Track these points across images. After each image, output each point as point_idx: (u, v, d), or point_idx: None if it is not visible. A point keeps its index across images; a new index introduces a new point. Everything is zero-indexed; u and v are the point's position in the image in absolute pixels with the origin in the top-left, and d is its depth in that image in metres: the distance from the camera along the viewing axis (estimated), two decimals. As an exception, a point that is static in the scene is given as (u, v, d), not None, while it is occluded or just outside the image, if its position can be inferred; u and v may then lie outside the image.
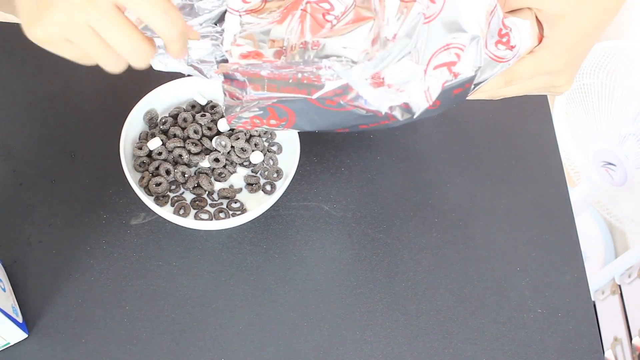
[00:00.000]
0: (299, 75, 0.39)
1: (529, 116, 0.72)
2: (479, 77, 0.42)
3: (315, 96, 0.40)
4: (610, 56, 1.04)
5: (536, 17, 0.45)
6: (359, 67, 0.38)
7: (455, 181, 0.66)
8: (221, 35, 0.45)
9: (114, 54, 0.38)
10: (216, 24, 0.45)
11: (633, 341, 1.14)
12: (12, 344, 0.51)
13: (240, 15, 0.44)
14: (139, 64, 0.39)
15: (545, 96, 0.75)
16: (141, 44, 0.37)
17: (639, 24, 1.12)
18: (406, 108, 0.40)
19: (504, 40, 0.42)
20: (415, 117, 0.41)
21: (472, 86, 0.42)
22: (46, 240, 0.56)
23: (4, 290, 0.50)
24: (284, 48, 0.41)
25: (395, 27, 0.38)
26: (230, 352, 0.53)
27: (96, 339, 0.52)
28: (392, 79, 0.39)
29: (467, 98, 0.45)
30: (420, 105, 0.40)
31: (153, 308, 0.54)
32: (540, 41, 0.45)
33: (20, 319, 0.51)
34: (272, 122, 0.44)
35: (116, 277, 0.55)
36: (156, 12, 0.36)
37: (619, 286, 1.23)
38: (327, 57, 0.39)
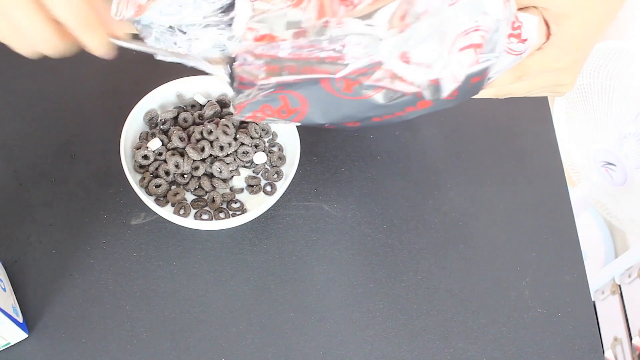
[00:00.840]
0: (322, 54, 0.39)
1: (529, 116, 0.72)
2: (494, 71, 0.43)
3: (339, 75, 0.39)
4: (610, 56, 1.04)
5: (542, 16, 0.45)
6: (388, 43, 0.38)
7: (455, 181, 0.66)
8: (229, 24, 0.44)
9: (23, 39, 0.38)
10: (224, 13, 0.44)
11: (633, 341, 1.14)
12: (12, 343, 0.51)
13: (251, 1, 0.43)
14: (48, 52, 0.39)
15: (546, 96, 0.75)
16: (48, 32, 0.37)
17: (638, 24, 1.12)
18: (435, 85, 0.40)
19: (516, 33, 0.43)
20: (444, 96, 0.41)
21: (488, 76, 0.42)
22: (46, 240, 0.56)
23: (4, 290, 0.50)
24: (304, 28, 0.40)
25: (422, 6, 0.38)
26: (230, 352, 0.53)
27: (96, 339, 0.52)
28: (419, 58, 0.39)
29: (475, 96, 0.45)
30: (447, 85, 0.40)
31: (153, 308, 0.54)
32: (547, 39, 0.46)
33: (20, 319, 0.51)
34: (283, 112, 0.43)
35: (116, 277, 0.55)
36: (63, 2, 0.36)
37: (619, 286, 1.23)
38: (351, 35, 0.38)
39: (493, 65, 0.42)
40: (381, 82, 0.39)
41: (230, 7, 0.43)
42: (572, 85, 0.49)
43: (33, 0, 0.36)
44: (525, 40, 0.43)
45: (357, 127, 0.45)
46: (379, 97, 0.40)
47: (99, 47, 0.39)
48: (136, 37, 0.43)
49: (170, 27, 0.43)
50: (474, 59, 0.40)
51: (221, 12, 0.43)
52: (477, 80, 0.42)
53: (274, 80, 0.41)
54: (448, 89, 0.41)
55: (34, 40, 0.38)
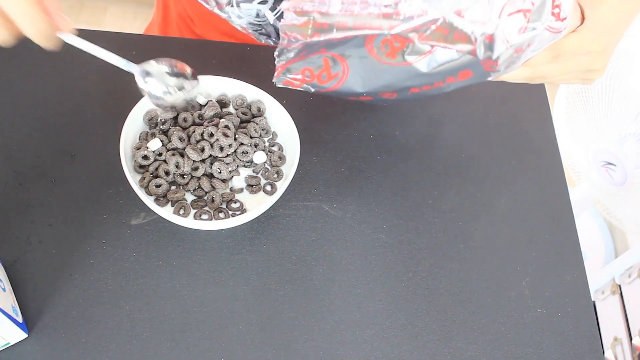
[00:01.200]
0: (375, 10, 0.38)
1: (529, 116, 0.72)
2: (534, 49, 0.43)
3: (393, 31, 0.39)
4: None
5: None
6: (442, 2, 0.38)
7: (455, 181, 0.66)
8: None
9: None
10: None
11: (633, 341, 1.14)
12: (12, 343, 0.51)
13: None
14: (34, 37, 0.41)
15: (545, 95, 0.75)
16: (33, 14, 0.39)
17: (638, 24, 1.12)
18: (489, 43, 0.40)
19: (556, 11, 0.43)
20: (496, 56, 0.41)
21: (528, 51, 0.42)
22: (46, 240, 0.56)
23: (4, 290, 0.50)
24: None
25: None
26: (230, 352, 0.53)
27: (96, 339, 0.52)
28: (472, 17, 0.39)
29: (506, 78, 0.46)
30: (500, 47, 0.40)
31: (153, 308, 0.54)
32: (582, 22, 0.47)
33: (20, 319, 0.51)
34: (324, 77, 0.43)
35: (116, 277, 0.55)
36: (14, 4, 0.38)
37: (619, 286, 1.23)
38: None
39: (535, 38, 0.42)
40: (433, 41, 0.39)
41: None
42: (603, 71, 0.50)
43: None
44: (564, 19, 0.43)
45: (394, 99, 0.45)
46: (421, 65, 0.40)
47: (41, 38, 0.41)
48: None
49: None
50: (523, 23, 0.40)
51: None
52: (519, 51, 0.42)
53: (322, 37, 0.40)
54: (500, 49, 0.41)
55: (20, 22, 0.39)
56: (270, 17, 0.47)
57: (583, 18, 0.47)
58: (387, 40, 0.40)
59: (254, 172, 0.59)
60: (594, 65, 0.49)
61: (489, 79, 0.44)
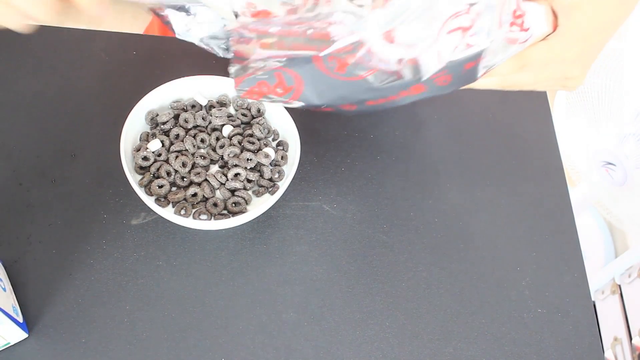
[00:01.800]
0: (309, 31, 0.39)
1: (529, 116, 0.72)
2: (492, 59, 0.42)
3: (324, 53, 0.39)
4: (610, 56, 1.04)
5: (551, 6, 0.45)
6: (371, 21, 0.38)
7: (455, 181, 0.66)
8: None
9: (7, 8, 0.36)
10: None
11: (633, 341, 1.14)
12: (12, 343, 0.51)
13: None
14: (39, 15, 0.37)
15: (545, 96, 0.75)
16: None
17: (638, 23, 1.12)
18: (415, 65, 0.40)
19: (519, 22, 0.42)
20: (426, 77, 0.40)
21: (481, 66, 0.42)
22: (46, 240, 0.56)
23: (4, 290, 0.50)
24: (296, 6, 0.40)
25: None
26: (230, 352, 0.53)
27: (96, 339, 0.52)
28: (403, 37, 0.39)
29: (478, 85, 0.45)
30: (430, 67, 0.40)
31: (153, 308, 0.54)
32: (554, 29, 0.45)
33: (20, 319, 0.51)
34: (279, 90, 0.43)
35: (116, 277, 0.55)
36: None
37: (619, 286, 1.23)
38: (339, 12, 0.38)
39: (487, 51, 0.41)
40: (364, 62, 0.39)
41: None
42: (582, 79, 0.48)
43: None
44: (527, 29, 0.43)
45: (354, 111, 0.45)
46: (371, 79, 0.40)
47: (90, 4, 0.38)
48: None
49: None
50: (462, 42, 0.40)
51: None
52: (471, 65, 0.41)
53: (266, 55, 0.41)
54: (430, 70, 0.40)
55: (22, 6, 0.36)
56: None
57: (556, 25, 0.45)
58: (332, 57, 0.40)
59: (254, 171, 0.59)
60: (568, 73, 0.47)
61: (446, 92, 0.43)
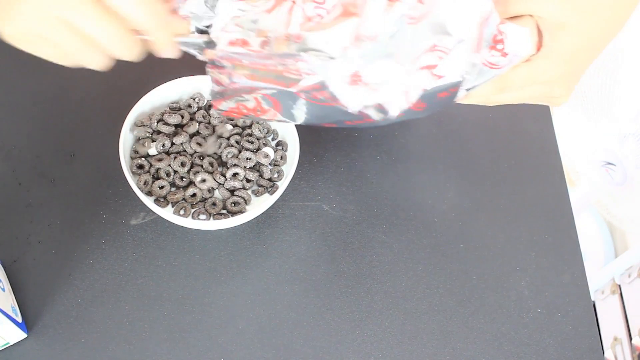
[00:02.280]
0: (280, 67, 0.39)
1: (529, 116, 0.72)
2: (470, 83, 0.42)
3: (293, 89, 0.39)
4: (610, 56, 1.04)
5: (537, 25, 0.44)
6: (336, 64, 0.38)
7: (455, 181, 0.66)
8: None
9: (94, 49, 0.35)
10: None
11: (633, 341, 1.14)
12: (11, 343, 0.51)
13: (234, 0, 0.43)
14: (127, 56, 0.36)
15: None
16: (124, 34, 0.35)
17: (638, 24, 1.12)
18: (380, 108, 0.40)
19: (498, 47, 0.41)
20: (394, 116, 0.40)
21: (460, 90, 0.42)
22: (46, 240, 0.56)
23: (3, 290, 0.50)
24: (269, 38, 0.40)
25: (377, 26, 0.37)
26: (230, 352, 0.53)
27: (96, 339, 0.52)
28: (370, 78, 0.39)
29: (461, 102, 0.45)
30: (398, 105, 0.40)
31: (153, 308, 0.54)
32: (538, 50, 0.44)
33: (19, 319, 0.51)
34: (258, 111, 0.43)
35: (115, 277, 0.55)
36: (133, 1, 0.34)
37: (619, 286, 1.23)
38: (307, 50, 0.38)
39: (461, 82, 0.40)
40: (332, 101, 0.39)
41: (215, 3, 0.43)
42: (566, 97, 0.47)
43: (100, 6, 0.34)
44: (507, 54, 0.42)
45: (334, 127, 0.46)
46: (347, 103, 0.40)
47: (169, 45, 0.38)
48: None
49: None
50: (431, 78, 0.39)
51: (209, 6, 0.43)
52: (445, 95, 0.41)
53: (240, 85, 0.41)
54: (397, 109, 0.40)
55: (113, 49, 0.35)
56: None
57: (540, 46, 0.44)
58: (299, 90, 0.40)
59: (254, 171, 0.59)
60: (552, 92, 0.46)
61: (423, 116, 0.43)
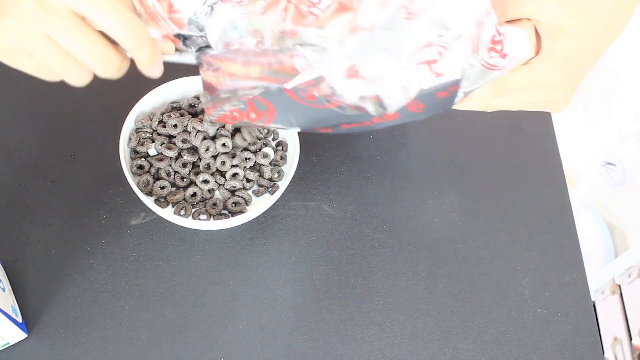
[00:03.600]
0: (274, 63, 0.39)
1: (529, 116, 0.72)
2: (469, 85, 0.41)
3: (288, 86, 0.39)
4: (610, 56, 1.04)
5: (535, 29, 0.43)
6: (332, 57, 0.37)
7: (455, 181, 0.66)
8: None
9: (76, 65, 0.36)
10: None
11: (633, 341, 1.14)
12: (11, 343, 0.51)
13: (233, 6, 0.43)
14: (107, 74, 0.37)
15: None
16: (106, 52, 0.36)
17: (637, 23, 1.12)
18: (378, 101, 0.39)
19: (497, 48, 0.41)
20: (392, 112, 0.40)
21: (459, 92, 0.41)
22: (46, 240, 0.56)
23: (3, 290, 0.50)
24: (263, 38, 0.40)
25: (373, 17, 0.37)
26: (230, 352, 0.53)
27: (96, 339, 0.52)
28: (368, 71, 0.38)
29: (459, 107, 0.44)
30: (396, 100, 0.39)
31: (153, 308, 0.54)
32: (537, 53, 0.44)
33: (19, 319, 0.51)
34: (252, 115, 0.43)
35: (116, 277, 0.55)
36: (116, 20, 0.34)
37: (619, 286, 1.23)
38: (303, 45, 0.38)
39: (464, 78, 0.40)
40: (329, 95, 0.39)
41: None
42: (567, 102, 0.46)
43: (83, 24, 0.34)
44: (507, 55, 0.41)
45: (330, 133, 0.45)
46: (341, 108, 0.40)
47: (152, 63, 0.39)
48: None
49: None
50: (429, 75, 0.39)
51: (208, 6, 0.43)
52: (444, 94, 0.40)
53: (235, 85, 0.41)
54: (395, 104, 0.39)
55: (95, 66, 0.36)
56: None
57: (539, 49, 0.43)
58: (296, 88, 0.39)
59: (254, 171, 0.59)
60: (551, 97, 0.45)
61: (422, 118, 0.42)
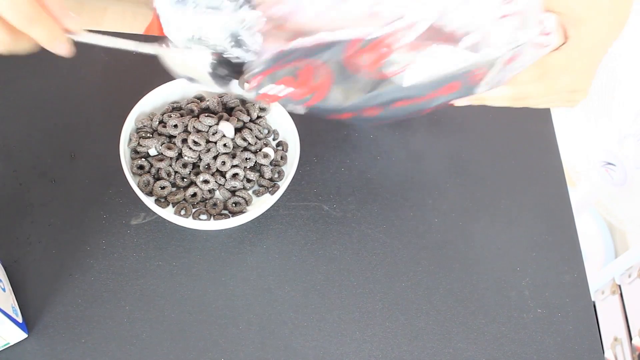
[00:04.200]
0: (352, 15, 0.37)
1: (529, 116, 0.72)
2: (517, 62, 0.42)
3: (371, 37, 0.37)
4: (610, 56, 1.04)
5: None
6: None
7: (455, 181, 0.66)
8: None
9: None
10: None
11: (633, 341, 1.14)
12: (12, 344, 0.51)
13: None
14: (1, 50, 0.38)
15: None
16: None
17: (638, 24, 1.12)
18: (474, 51, 0.39)
19: (542, 27, 0.43)
20: (480, 65, 0.40)
21: (516, 66, 0.42)
22: (46, 240, 0.56)
23: (3, 290, 0.50)
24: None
25: None
26: (230, 352, 0.53)
27: (96, 339, 0.52)
28: (458, 20, 0.38)
29: (492, 93, 0.46)
30: (486, 55, 0.39)
31: (153, 308, 0.54)
32: (565, 41, 0.46)
33: (20, 319, 0.51)
34: (300, 90, 0.40)
35: (116, 277, 0.55)
36: None
37: (619, 286, 1.23)
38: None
39: (521, 48, 0.41)
40: (412, 50, 0.37)
41: None
42: (586, 92, 0.50)
43: None
44: (549, 33, 0.43)
45: (374, 117, 0.42)
46: (402, 78, 0.38)
47: (51, 42, 0.40)
48: (91, 31, 0.43)
49: None
50: (511, 30, 0.39)
51: None
52: (508, 62, 0.41)
53: (299, 43, 0.37)
54: (486, 57, 0.39)
55: None
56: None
57: (565, 37, 0.46)
58: (364, 51, 0.38)
59: (255, 171, 0.59)
60: (577, 85, 0.49)
61: (475, 93, 0.42)
